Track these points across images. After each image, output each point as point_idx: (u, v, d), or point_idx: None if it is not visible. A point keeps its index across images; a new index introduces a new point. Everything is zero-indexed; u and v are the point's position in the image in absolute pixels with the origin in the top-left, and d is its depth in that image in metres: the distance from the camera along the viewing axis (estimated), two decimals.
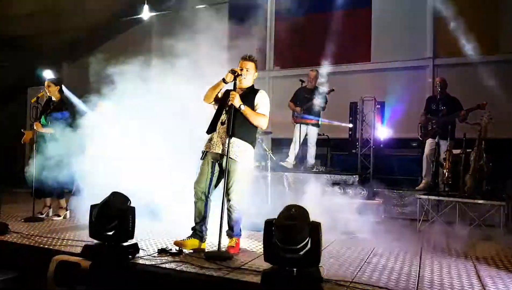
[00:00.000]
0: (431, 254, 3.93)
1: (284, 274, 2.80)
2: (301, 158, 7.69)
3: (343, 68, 9.26)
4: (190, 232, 3.80)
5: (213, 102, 3.96)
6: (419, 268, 3.41)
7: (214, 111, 3.96)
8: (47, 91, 5.40)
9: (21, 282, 3.65)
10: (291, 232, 2.75)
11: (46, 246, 3.81)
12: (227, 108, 3.82)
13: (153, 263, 3.32)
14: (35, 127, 5.31)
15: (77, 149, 5.11)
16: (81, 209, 4.85)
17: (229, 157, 3.67)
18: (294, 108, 7.54)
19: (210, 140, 3.89)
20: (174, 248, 3.65)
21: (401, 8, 8.94)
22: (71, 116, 5.38)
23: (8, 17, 8.58)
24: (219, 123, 3.85)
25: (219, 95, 3.94)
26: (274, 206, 4.97)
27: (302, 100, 7.46)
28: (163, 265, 3.27)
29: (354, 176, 6.79)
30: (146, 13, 9.59)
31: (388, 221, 5.98)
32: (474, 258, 3.81)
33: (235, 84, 3.78)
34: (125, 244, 3.43)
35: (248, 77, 3.90)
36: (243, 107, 3.73)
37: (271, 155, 6.29)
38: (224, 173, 3.68)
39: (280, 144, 8.80)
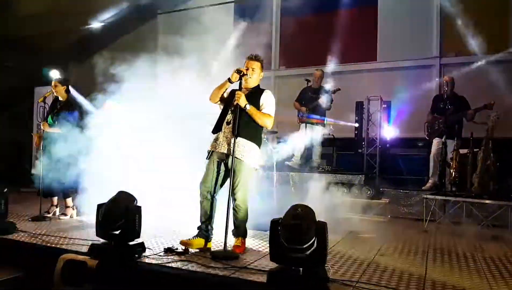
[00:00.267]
0: (437, 255, 3.91)
1: (290, 274, 2.79)
2: (306, 158, 7.68)
3: (349, 68, 9.23)
4: (196, 231, 3.80)
5: (219, 102, 3.95)
6: (426, 269, 3.39)
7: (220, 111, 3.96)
8: (54, 91, 5.42)
9: (28, 280, 3.68)
10: (297, 232, 2.74)
11: (53, 245, 3.83)
12: (232, 108, 3.82)
13: (159, 262, 3.33)
14: (42, 127, 5.34)
15: (83, 148, 5.14)
16: (87, 208, 4.87)
17: (235, 157, 3.67)
18: (299, 108, 7.53)
19: (216, 140, 3.89)
20: (180, 248, 3.66)
21: (408, 6, 8.88)
22: (79, 116, 5.41)
23: (16, 18, 8.65)
24: (224, 123, 3.85)
25: (225, 95, 3.93)
26: (280, 205, 4.97)
27: (307, 100, 7.45)
28: (169, 264, 3.28)
29: (360, 175, 6.77)
30: (152, 13, 9.62)
31: (394, 221, 5.96)
32: (482, 259, 3.77)
33: (240, 84, 3.78)
34: (131, 243, 3.45)
35: (254, 77, 3.89)
36: (248, 107, 3.72)
37: (277, 154, 6.28)
38: (229, 173, 3.68)
39: (285, 144, 8.80)
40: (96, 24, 10.02)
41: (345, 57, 9.01)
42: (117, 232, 3.43)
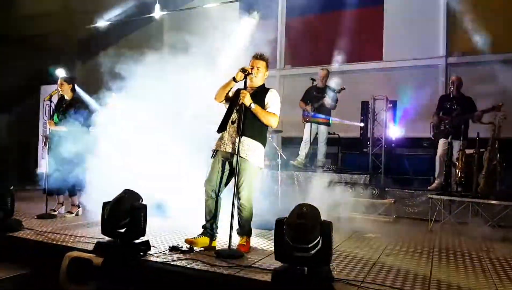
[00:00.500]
0: (443, 255, 3.89)
1: (295, 273, 2.79)
2: (311, 157, 7.67)
3: (354, 67, 9.21)
4: (201, 230, 3.81)
5: (224, 101, 3.95)
6: (431, 269, 3.38)
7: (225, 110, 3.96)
8: (60, 89, 5.45)
9: (34, 278, 3.69)
10: (303, 231, 2.74)
11: (59, 243, 3.86)
12: (237, 107, 3.81)
13: (164, 260, 3.34)
14: (48, 125, 5.36)
15: (89, 147, 5.16)
16: (93, 206, 4.89)
17: (240, 156, 3.66)
18: (304, 107, 7.52)
19: (221, 139, 3.88)
20: (185, 246, 3.67)
21: (414, 5, 8.83)
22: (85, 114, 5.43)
23: (22, 17, 8.69)
24: (229, 122, 3.84)
25: (230, 94, 3.93)
26: (285, 205, 4.97)
27: (312, 99, 7.43)
28: (174, 263, 3.29)
29: (365, 175, 6.75)
30: (157, 12, 9.63)
31: (399, 220, 5.95)
32: (488, 259, 3.75)
33: (245, 83, 3.77)
34: (136, 241, 3.47)
35: (259, 76, 3.88)
36: (253, 106, 3.72)
37: (282, 154, 6.28)
38: (234, 172, 3.68)
39: (290, 143, 8.79)
40: (102, 23, 10.06)
41: (351, 57, 8.98)
42: (122, 230, 3.46)
